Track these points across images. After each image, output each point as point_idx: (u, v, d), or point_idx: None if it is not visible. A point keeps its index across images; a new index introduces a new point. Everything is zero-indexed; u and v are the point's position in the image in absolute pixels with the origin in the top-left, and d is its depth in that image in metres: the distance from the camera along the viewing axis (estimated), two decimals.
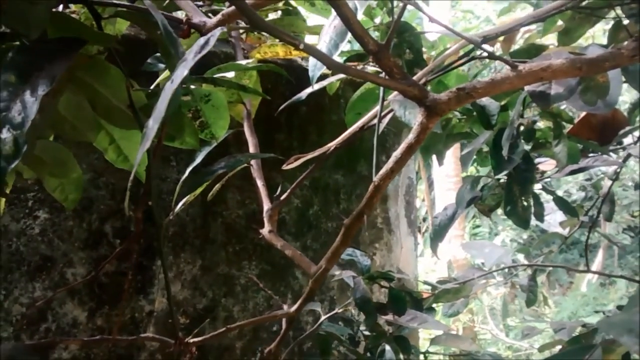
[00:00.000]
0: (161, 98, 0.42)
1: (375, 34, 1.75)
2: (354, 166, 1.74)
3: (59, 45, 0.54)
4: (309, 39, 1.44)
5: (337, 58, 0.85)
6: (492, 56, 0.63)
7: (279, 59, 1.63)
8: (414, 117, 0.70)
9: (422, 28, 1.53)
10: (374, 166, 0.72)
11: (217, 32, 0.47)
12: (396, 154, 0.66)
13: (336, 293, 1.69)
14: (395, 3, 0.88)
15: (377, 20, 1.24)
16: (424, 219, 6.48)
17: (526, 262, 1.49)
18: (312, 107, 1.62)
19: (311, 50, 0.52)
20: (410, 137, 0.64)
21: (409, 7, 0.71)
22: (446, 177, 5.01)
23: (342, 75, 1.12)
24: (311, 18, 1.66)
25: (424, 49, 0.96)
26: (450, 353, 1.55)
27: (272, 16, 1.40)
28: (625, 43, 0.60)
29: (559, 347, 1.15)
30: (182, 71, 0.41)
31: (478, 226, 7.05)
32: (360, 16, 0.69)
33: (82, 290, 1.18)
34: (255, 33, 1.56)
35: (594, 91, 0.71)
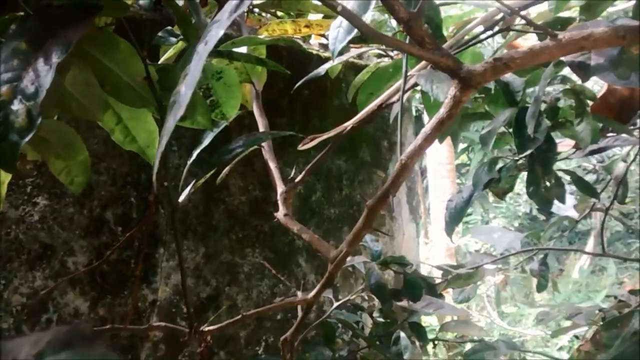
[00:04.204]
0: (194, 61, 0.38)
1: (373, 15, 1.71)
2: (356, 152, 1.71)
3: (72, 11, 0.50)
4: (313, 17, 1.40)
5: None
6: (532, 24, 0.60)
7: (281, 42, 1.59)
8: (442, 91, 0.67)
9: None
10: (399, 144, 0.68)
11: None
12: (425, 130, 0.63)
13: (339, 281, 1.66)
14: None
15: None
16: None
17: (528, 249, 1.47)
18: (313, 92, 1.59)
19: (348, 15, 0.48)
20: (441, 112, 0.61)
21: None
22: (440, 164, 4.98)
23: (348, 56, 1.09)
24: None
25: None
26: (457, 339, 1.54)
27: None
28: None
29: (572, 332, 1.13)
30: (217, 32, 0.38)
31: (470, 214, 7.05)
32: None
33: (84, 279, 1.13)
34: (256, 14, 1.52)
35: (627, 64, 0.68)
